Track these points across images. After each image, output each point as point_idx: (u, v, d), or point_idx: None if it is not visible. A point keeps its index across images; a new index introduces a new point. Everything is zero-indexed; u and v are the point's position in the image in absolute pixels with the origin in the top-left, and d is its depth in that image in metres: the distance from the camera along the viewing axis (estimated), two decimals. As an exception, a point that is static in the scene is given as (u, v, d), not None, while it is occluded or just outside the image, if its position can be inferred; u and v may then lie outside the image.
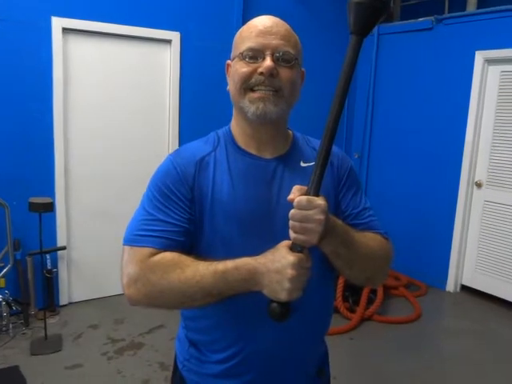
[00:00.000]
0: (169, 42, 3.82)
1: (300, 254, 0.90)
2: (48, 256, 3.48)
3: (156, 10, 3.73)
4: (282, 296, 0.90)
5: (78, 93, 3.57)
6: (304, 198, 0.88)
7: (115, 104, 3.72)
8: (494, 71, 4.02)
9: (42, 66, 3.37)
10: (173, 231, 1.00)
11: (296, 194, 0.90)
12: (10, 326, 3.25)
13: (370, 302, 3.84)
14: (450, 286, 4.39)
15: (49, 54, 3.37)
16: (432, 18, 4.33)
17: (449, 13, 4.30)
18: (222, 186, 1.03)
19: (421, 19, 4.46)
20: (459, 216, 4.26)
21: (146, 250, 0.98)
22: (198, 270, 0.94)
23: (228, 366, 1.08)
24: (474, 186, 4.22)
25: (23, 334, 3.26)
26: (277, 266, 0.90)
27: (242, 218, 1.02)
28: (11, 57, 3.26)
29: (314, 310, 1.09)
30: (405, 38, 4.63)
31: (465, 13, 4.12)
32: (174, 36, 3.81)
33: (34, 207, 3.00)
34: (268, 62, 0.99)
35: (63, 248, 3.58)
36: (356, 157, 5.11)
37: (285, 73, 1.02)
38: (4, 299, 3.26)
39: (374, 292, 3.96)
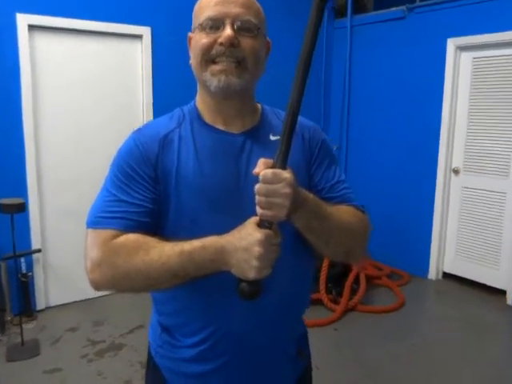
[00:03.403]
0: (139, 37, 3.76)
1: (268, 231, 0.87)
2: (23, 259, 3.38)
3: (125, 4, 3.66)
4: (251, 275, 0.87)
5: (48, 93, 3.49)
6: (269, 171, 0.85)
7: (87, 103, 3.63)
8: (467, 58, 4.05)
9: (9, 65, 3.27)
10: (136, 212, 0.96)
11: (261, 168, 0.86)
12: (-15, 333, 3.15)
13: (353, 292, 3.83)
14: (432, 274, 4.40)
15: (15, 53, 3.27)
16: (404, 7, 4.35)
17: (420, 1, 4.32)
18: (188, 162, 0.99)
19: (393, 9, 4.48)
20: (438, 203, 4.28)
21: (109, 232, 0.94)
22: (164, 251, 0.90)
23: (201, 349, 1.03)
24: (452, 173, 4.24)
25: (-1, 340, 3.16)
26: (244, 243, 0.86)
27: (210, 195, 0.99)
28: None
29: (288, 288, 1.05)
30: (378, 29, 4.64)
31: (436, 1, 4.14)
32: (145, 31, 3.75)
33: (5, 208, 2.90)
34: (228, 31, 0.96)
35: (38, 251, 3.48)
36: (335, 149, 5.10)
37: (247, 42, 0.98)
38: (-22, 306, 3.15)
39: (357, 282, 3.96)
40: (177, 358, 1.07)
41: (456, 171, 4.20)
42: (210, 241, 0.90)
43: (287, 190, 0.85)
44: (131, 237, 0.93)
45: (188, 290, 1.00)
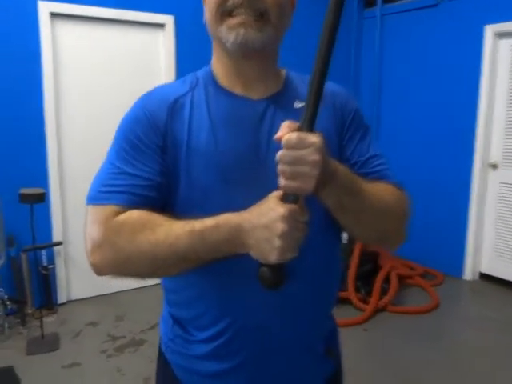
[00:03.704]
0: (162, 26, 3.67)
1: (293, 205, 0.74)
2: (44, 252, 3.34)
3: (148, -8, 3.58)
4: (273, 257, 0.74)
5: (69, 81, 3.43)
6: (294, 134, 0.72)
7: (108, 91, 3.56)
8: (506, 45, 3.82)
9: (31, 53, 3.23)
10: (142, 186, 0.84)
11: (285, 131, 0.73)
12: (6, 325, 3.10)
13: (384, 292, 3.65)
14: (468, 274, 4.17)
15: (37, 41, 3.23)
16: (437, -7, 4.14)
17: (455, -13, 4.10)
18: (200, 131, 0.87)
19: (425, -4, 4.27)
20: (474, 200, 4.05)
21: (111, 209, 0.82)
22: (172, 230, 0.78)
23: (216, 345, 0.91)
24: (489, 168, 4.01)
25: (19, 333, 3.11)
26: (264, 220, 0.74)
27: (225, 168, 0.86)
28: (-3, 45, 3.12)
29: (316, 275, 0.92)
30: (409, 17, 4.44)
31: (472, -14, 3.92)
32: (168, 20, 3.65)
33: (24, 198, 2.85)
34: None
35: (59, 243, 3.43)
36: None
37: None
38: (-1, 298, 3.11)
39: (387, 282, 3.77)
40: (189, 355, 0.95)
41: (494, 166, 3.97)
42: (225, 218, 0.78)
43: (315, 157, 0.71)
44: (135, 214, 0.82)
45: (201, 277, 0.88)
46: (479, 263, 4.18)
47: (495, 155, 3.97)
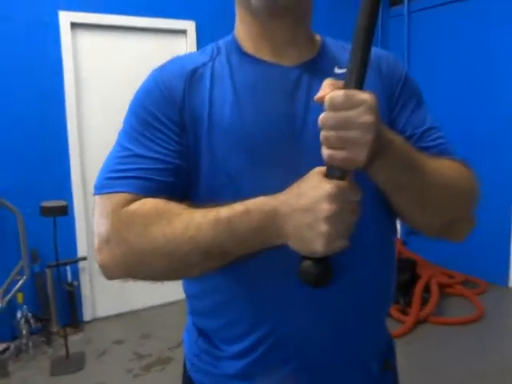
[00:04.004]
0: (184, 32, 3.58)
1: (340, 182, 0.59)
2: (68, 268, 3.24)
3: (168, -2, 3.50)
4: (317, 247, 0.60)
5: (91, 91, 3.37)
6: (340, 91, 0.58)
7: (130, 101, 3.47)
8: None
9: (52, 64, 3.18)
10: (157, 169, 0.70)
11: (327, 90, 0.59)
12: (30, 344, 2.99)
13: (424, 302, 3.42)
14: (513, 282, 3.90)
15: (58, 51, 3.17)
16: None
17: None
18: (224, 105, 0.73)
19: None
20: (517, 201, 3.79)
21: (120, 197, 0.69)
22: (192, 220, 0.64)
23: (249, 360, 0.75)
24: (533, 167, 3.75)
25: (44, 353, 3.00)
26: (306, 200, 0.60)
27: (254, 147, 0.72)
28: (19, 57, 3.08)
29: (369, 271, 0.76)
30: (438, 13, 4.24)
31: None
32: (189, 25, 3.57)
33: (46, 211, 2.75)
34: None
35: (84, 258, 3.33)
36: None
37: None
38: (23, 316, 3.01)
39: (427, 291, 3.54)
40: (218, 374, 0.80)
41: (538, 165, 3.72)
42: (256, 202, 0.64)
43: (368, 118, 0.57)
44: (149, 202, 0.68)
45: (229, 277, 0.73)
46: (525, 269, 3.89)
47: (538, 153, 3.72)
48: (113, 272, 0.70)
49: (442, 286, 3.74)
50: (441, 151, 0.78)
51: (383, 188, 0.69)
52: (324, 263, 0.62)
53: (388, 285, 0.81)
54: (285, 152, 0.72)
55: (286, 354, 0.73)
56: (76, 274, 3.36)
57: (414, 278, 3.62)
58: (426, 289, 3.58)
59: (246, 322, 0.74)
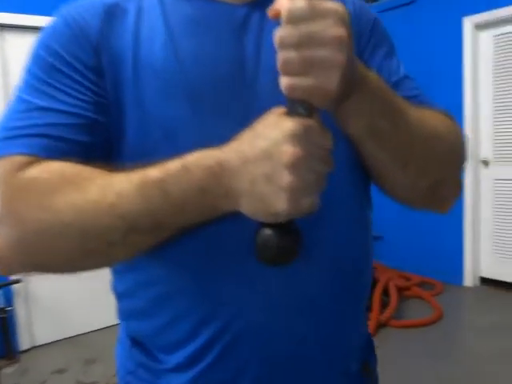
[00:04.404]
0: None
1: (306, 119, 0.45)
2: (0, 291, 2.92)
3: None
4: (279, 204, 0.45)
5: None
6: (301, 1, 0.43)
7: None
8: (487, 37, 3.66)
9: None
10: (64, 125, 0.54)
11: (284, 2, 0.45)
12: (-44, 381, 2.66)
13: (383, 306, 3.34)
14: (468, 280, 3.91)
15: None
16: (411, -10, 4.00)
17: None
18: (153, 45, 0.57)
19: (399, -6, 4.13)
20: (468, 199, 3.81)
21: (15, 161, 0.51)
22: (112, 185, 0.49)
23: (197, 372, 0.58)
24: (481, 165, 3.79)
25: (-28, 390, 2.67)
26: (261, 145, 0.46)
27: (195, 92, 0.56)
28: None
29: (346, 246, 0.61)
30: (385, 17, 4.27)
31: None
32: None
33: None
34: None
35: (17, 281, 3.01)
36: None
37: None
38: None
39: (385, 294, 3.47)
40: None
41: (485, 162, 3.76)
42: (197, 157, 0.49)
43: (339, 31, 0.44)
44: (53, 166, 0.51)
45: (168, 264, 0.57)
46: (478, 268, 3.92)
47: (486, 151, 3.77)
48: (9, 262, 0.51)
49: (399, 289, 3.71)
50: (420, 102, 0.64)
51: (358, 140, 0.55)
52: (287, 230, 0.47)
53: (367, 265, 0.66)
54: (233, 100, 0.57)
55: (245, 359, 0.56)
56: (9, 299, 3.03)
57: (374, 282, 3.54)
58: (384, 292, 3.52)
59: (190, 319, 0.56)
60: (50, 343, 3.22)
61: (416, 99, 0.64)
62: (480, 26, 3.65)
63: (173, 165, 0.49)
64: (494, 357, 2.77)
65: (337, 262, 0.59)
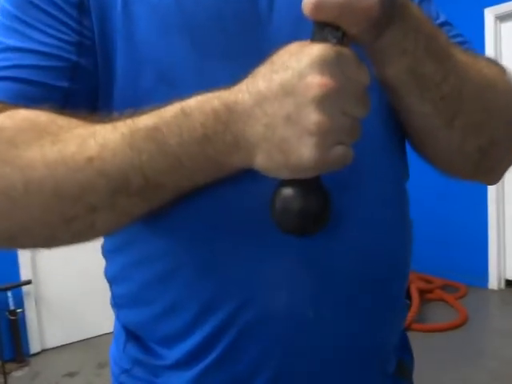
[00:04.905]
0: None
1: (337, 46, 0.36)
2: (9, 293, 2.86)
3: None
4: (305, 153, 0.35)
5: None
6: None
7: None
8: (508, 28, 3.52)
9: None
10: (39, 67, 0.45)
11: None
12: (-35, 385, 2.60)
13: (404, 309, 3.21)
14: (493, 283, 3.74)
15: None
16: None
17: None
18: None
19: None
20: (492, 199, 3.65)
21: None
22: (94, 135, 0.40)
23: (201, 369, 0.48)
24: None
25: (-19, 394, 2.60)
26: (280, 79, 0.36)
27: (199, 30, 0.47)
28: None
29: (379, 222, 0.50)
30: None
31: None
32: None
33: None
34: None
35: (28, 282, 2.96)
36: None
37: None
38: (-45, 352, 2.61)
39: (407, 297, 3.33)
40: None
41: None
42: (200, 100, 0.39)
43: None
44: (22, 114, 0.42)
45: (168, 237, 0.48)
46: (504, 270, 3.75)
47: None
48: None
49: (421, 292, 3.56)
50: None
51: (395, 87, 0.45)
52: (314, 190, 0.37)
53: (406, 244, 0.55)
54: (243, 39, 0.47)
55: (261, 352, 0.46)
56: (19, 301, 2.97)
57: (392, 285, 3.42)
58: (408, 294, 3.39)
59: (193, 305, 0.47)
60: (61, 346, 3.16)
61: (462, 47, 0.54)
62: (502, 17, 3.52)
63: (169, 110, 0.39)
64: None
65: (371, 238, 0.49)
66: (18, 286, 2.93)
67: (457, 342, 2.92)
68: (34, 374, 2.80)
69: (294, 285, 0.45)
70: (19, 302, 2.97)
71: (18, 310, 2.92)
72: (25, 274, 2.99)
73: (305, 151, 0.35)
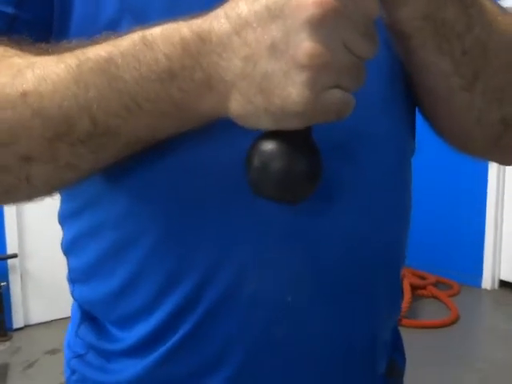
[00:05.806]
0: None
1: None
2: (-6, 266, 2.81)
3: None
4: (292, 92, 0.28)
5: None
6: None
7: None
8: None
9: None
10: None
11: None
12: None
13: (395, 304, 3.18)
14: (487, 283, 3.70)
15: None
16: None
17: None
18: None
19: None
20: (491, 198, 3.61)
21: None
22: (32, 67, 0.32)
23: (159, 356, 0.41)
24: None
25: (-39, 366, 2.56)
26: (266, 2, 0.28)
27: None
28: None
29: (382, 191, 0.44)
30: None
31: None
32: None
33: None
34: None
35: (14, 256, 2.90)
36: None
37: None
38: None
39: (399, 292, 3.30)
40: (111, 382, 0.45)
41: None
42: (166, 28, 0.32)
43: None
44: None
45: (122, 195, 0.41)
46: (499, 270, 3.71)
47: None
48: None
49: (413, 288, 3.53)
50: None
51: (409, 38, 0.38)
52: (302, 146, 0.30)
53: (404, 229, 0.48)
54: None
55: (225, 341, 0.40)
56: (4, 274, 2.92)
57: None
58: (398, 290, 3.36)
59: (157, 277, 0.40)
60: (44, 322, 3.12)
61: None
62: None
63: (127, 39, 0.32)
64: (511, 365, 2.60)
65: (367, 218, 0.42)
66: (3, 258, 2.88)
67: (446, 340, 2.89)
68: (15, 349, 2.77)
69: (269, 263, 0.38)
70: (3, 276, 2.91)
71: (2, 284, 2.87)
72: (11, 247, 2.93)
73: (292, 90, 0.28)
